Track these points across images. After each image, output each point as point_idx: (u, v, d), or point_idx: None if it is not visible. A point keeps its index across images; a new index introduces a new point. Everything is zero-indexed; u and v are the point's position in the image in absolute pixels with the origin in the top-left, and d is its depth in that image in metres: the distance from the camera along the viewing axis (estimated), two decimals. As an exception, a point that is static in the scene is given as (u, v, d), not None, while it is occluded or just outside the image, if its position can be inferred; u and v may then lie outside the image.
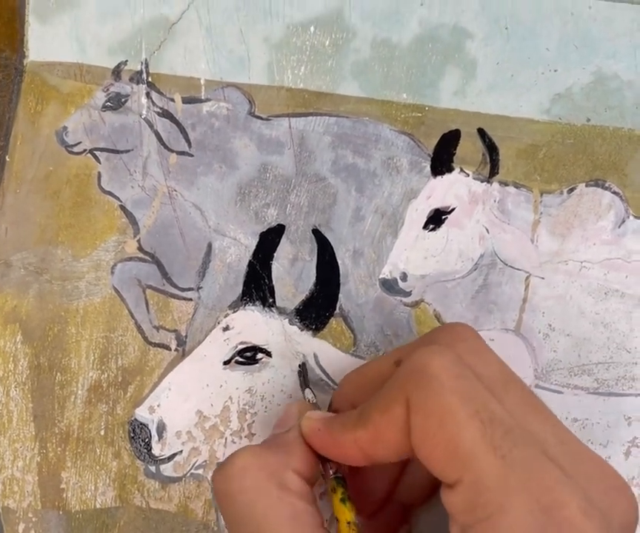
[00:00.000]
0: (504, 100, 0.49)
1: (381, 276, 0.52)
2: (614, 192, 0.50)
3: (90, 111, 0.48)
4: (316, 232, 0.51)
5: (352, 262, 0.51)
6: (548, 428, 0.30)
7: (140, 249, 0.49)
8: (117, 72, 0.48)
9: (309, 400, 0.46)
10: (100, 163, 0.49)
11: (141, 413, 0.50)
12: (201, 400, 0.51)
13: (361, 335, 0.51)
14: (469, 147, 0.50)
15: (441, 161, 0.51)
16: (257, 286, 0.50)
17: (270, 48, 0.48)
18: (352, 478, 0.38)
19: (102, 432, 0.50)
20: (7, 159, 0.48)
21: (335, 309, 0.52)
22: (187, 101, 0.49)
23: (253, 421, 0.52)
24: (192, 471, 0.52)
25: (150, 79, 0.48)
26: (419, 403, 0.26)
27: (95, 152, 0.49)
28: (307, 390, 0.46)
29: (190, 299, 0.50)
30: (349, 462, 0.34)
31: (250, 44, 0.48)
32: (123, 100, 0.48)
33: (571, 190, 0.50)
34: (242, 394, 0.52)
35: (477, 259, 0.52)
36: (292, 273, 0.51)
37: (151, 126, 0.48)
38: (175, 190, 0.49)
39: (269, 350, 0.52)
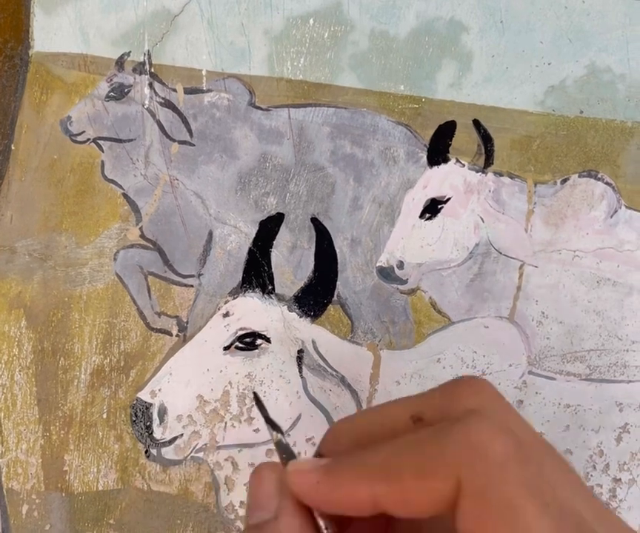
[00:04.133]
0: (498, 92, 0.50)
1: (378, 264, 0.53)
2: (606, 183, 0.51)
3: (94, 101, 0.49)
4: (315, 221, 0.52)
5: (349, 250, 0.52)
6: (585, 501, 0.27)
7: (142, 236, 0.50)
8: (120, 63, 0.49)
9: (282, 453, 0.29)
10: (103, 152, 0.50)
11: (143, 397, 0.51)
12: (201, 384, 0.52)
13: (358, 322, 0.52)
14: (464, 138, 0.51)
15: (437, 152, 0.52)
16: (257, 273, 0.51)
17: (270, 40, 0.49)
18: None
19: (105, 416, 0.51)
20: (13, 148, 0.49)
21: (332, 297, 0.53)
22: (188, 91, 0.50)
23: (252, 405, 0.53)
24: (192, 454, 0.54)
25: (152, 70, 0.49)
26: (477, 489, 0.23)
27: (98, 141, 0.50)
28: (279, 436, 0.28)
29: (191, 286, 0.51)
30: (354, 514, 0.28)
31: (250, 36, 0.49)
32: (126, 90, 0.49)
33: (564, 181, 0.51)
34: (242, 379, 0.53)
35: (472, 248, 0.54)
36: (291, 261, 0.52)
37: (153, 116, 0.49)
38: (177, 179, 0.50)
39: (268, 336, 0.53)
